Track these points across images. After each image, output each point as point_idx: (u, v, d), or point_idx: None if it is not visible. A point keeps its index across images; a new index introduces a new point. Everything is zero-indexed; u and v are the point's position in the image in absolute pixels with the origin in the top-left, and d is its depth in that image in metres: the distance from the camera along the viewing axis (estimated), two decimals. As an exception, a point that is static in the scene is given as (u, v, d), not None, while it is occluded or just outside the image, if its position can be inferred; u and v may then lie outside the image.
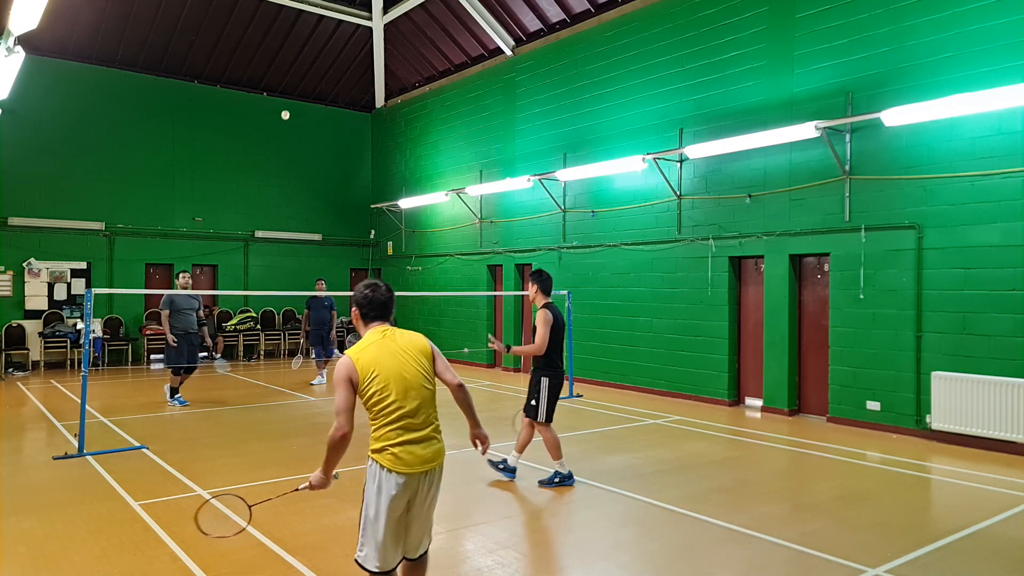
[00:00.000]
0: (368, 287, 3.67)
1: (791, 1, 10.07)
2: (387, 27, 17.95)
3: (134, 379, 13.74)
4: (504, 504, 6.07)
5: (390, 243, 19.40)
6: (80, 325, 15.08)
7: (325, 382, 13.16)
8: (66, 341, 14.97)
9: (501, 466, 6.77)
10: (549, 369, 6.52)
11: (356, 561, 3.52)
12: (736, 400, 11.01)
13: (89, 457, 7.38)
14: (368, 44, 18.46)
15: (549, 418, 6.52)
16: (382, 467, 3.54)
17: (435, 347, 3.76)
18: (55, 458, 7.36)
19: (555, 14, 14.15)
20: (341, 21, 17.42)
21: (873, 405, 9.14)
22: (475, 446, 3.92)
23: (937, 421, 8.38)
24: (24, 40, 8.56)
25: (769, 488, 6.57)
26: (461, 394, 3.79)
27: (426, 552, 3.67)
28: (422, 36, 17.28)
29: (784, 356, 10.21)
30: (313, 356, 13.33)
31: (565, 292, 12.35)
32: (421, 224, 18.20)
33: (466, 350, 16.03)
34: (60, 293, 15.35)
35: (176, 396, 10.77)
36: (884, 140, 9.08)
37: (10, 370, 14.44)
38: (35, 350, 14.96)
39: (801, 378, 10.30)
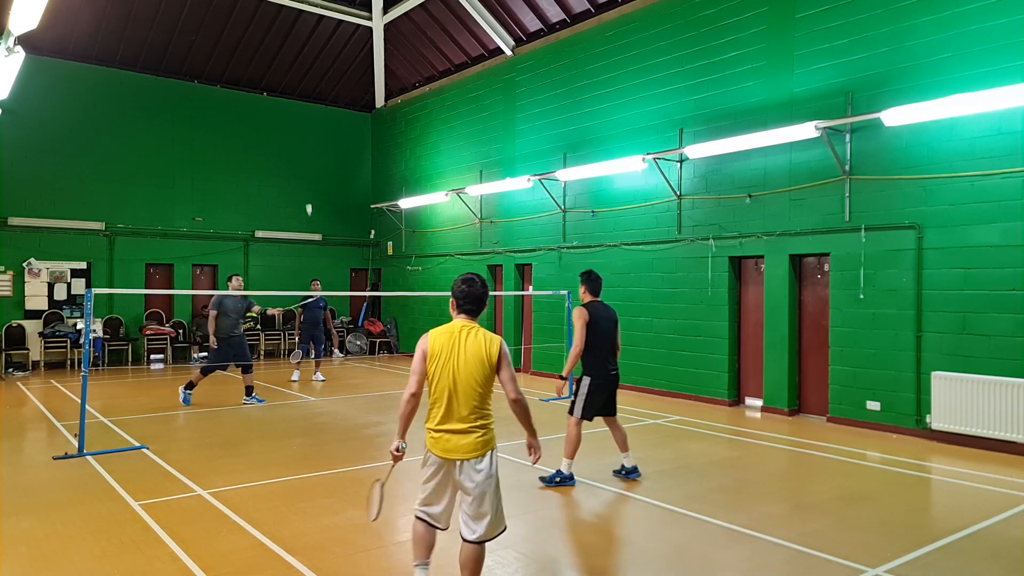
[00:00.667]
0: (465, 282, 4.02)
1: (791, 1, 10.07)
2: (387, 27, 17.96)
3: (134, 379, 13.74)
4: (504, 504, 6.07)
5: (390, 243, 19.41)
6: (80, 325, 15.09)
7: (324, 379, 13.45)
8: (66, 341, 14.97)
9: (557, 479, 6.48)
10: (592, 369, 6.48)
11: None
12: (736, 400, 11.01)
13: (89, 457, 7.38)
14: (368, 44, 18.47)
15: (586, 415, 6.49)
16: (426, 444, 3.97)
17: (506, 356, 3.98)
18: (55, 458, 7.36)
19: (555, 14, 14.15)
20: (341, 21, 17.42)
21: (873, 405, 9.14)
22: (529, 454, 4.20)
23: (937, 421, 8.38)
24: (24, 40, 8.56)
25: (769, 488, 6.57)
26: (515, 408, 4.03)
27: (482, 543, 3.91)
28: (422, 36, 17.28)
29: (784, 356, 10.21)
30: (313, 356, 13.41)
31: (565, 292, 12.35)
32: (421, 224, 18.20)
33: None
34: (60, 293, 15.36)
35: (188, 391, 10.56)
36: (884, 140, 9.08)
37: (10, 370, 14.44)
38: (35, 350, 14.97)
39: (801, 378, 10.30)
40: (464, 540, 3.90)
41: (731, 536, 5.25)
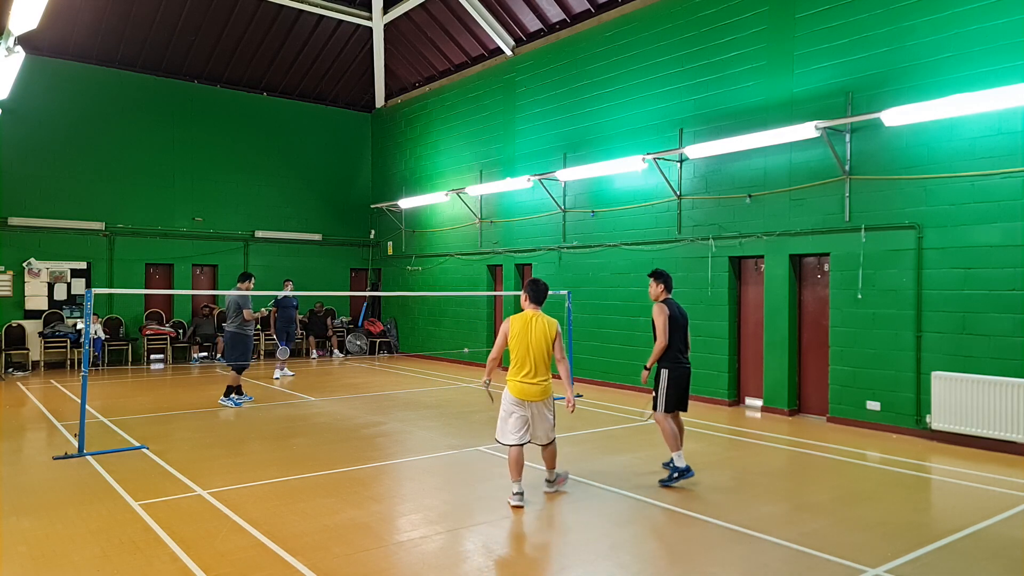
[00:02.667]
0: (533, 283, 6.28)
1: (791, 1, 10.07)
2: (387, 27, 17.96)
3: (134, 379, 13.74)
4: (504, 504, 6.07)
5: (390, 243, 19.41)
6: (80, 325, 15.09)
7: (291, 376, 14.19)
8: (66, 341, 14.97)
9: (676, 475, 6.45)
10: (668, 361, 6.69)
11: (496, 439, 6.20)
12: (736, 400, 11.01)
13: (89, 457, 7.38)
14: (368, 44, 18.47)
15: (668, 408, 6.65)
16: (508, 390, 6.13)
17: (560, 333, 6.13)
18: (55, 458, 7.36)
19: (555, 14, 14.15)
20: (341, 21, 17.42)
21: (873, 405, 9.15)
22: (567, 406, 6.18)
23: (937, 421, 8.38)
24: (24, 40, 8.57)
25: (769, 488, 6.57)
26: (560, 366, 6.22)
27: (552, 441, 6.22)
28: (422, 36, 17.28)
29: (784, 356, 10.21)
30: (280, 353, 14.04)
31: (565, 292, 12.35)
32: (421, 224, 18.20)
33: (466, 350, 16.05)
34: (60, 293, 15.36)
35: (231, 396, 10.62)
36: (884, 140, 9.08)
37: (10, 370, 14.44)
38: (35, 350, 14.97)
39: (801, 378, 10.30)
40: (542, 445, 6.20)
41: (731, 536, 5.25)
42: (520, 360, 6.04)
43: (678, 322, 6.73)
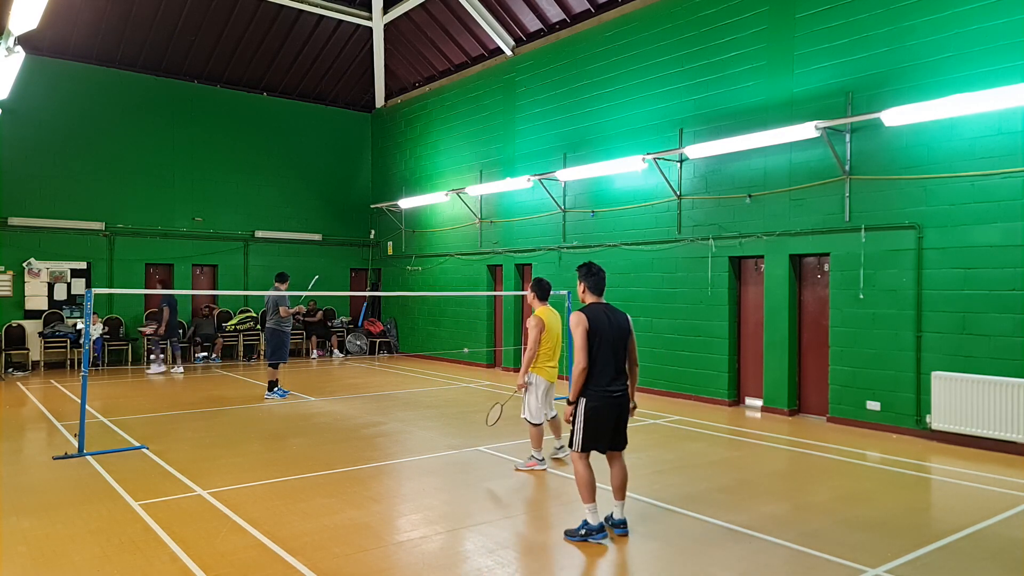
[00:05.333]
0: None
1: (791, 1, 10.07)
2: (387, 27, 17.96)
3: (134, 379, 13.74)
4: (504, 504, 6.07)
5: (390, 243, 19.41)
6: (80, 325, 15.09)
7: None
8: (66, 341, 14.97)
9: (583, 531, 5.16)
10: (590, 388, 5.23)
11: (532, 422, 7.13)
12: (736, 400, 11.01)
13: (89, 457, 7.38)
14: (368, 44, 18.47)
15: (584, 447, 5.25)
16: (543, 376, 7.19)
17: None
18: (55, 458, 7.36)
19: (555, 14, 14.15)
20: (341, 21, 17.42)
21: (873, 405, 9.14)
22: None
23: (937, 421, 8.38)
24: (24, 40, 8.57)
25: (769, 488, 6.57)
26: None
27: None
28: (422, 36, 17.28)
29: (784, 356, 10.21)
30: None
31: (565, 292, 12.33)
32: (421, 224, 18.20)
33: (466, 350, 16.04)
34: (60, 293, 15.35)
35: (276, 389, 11.38)
36: (884, 140, 9.08)
37: (10, 370, 14.44)
38: (35, 350, 14.96)
39: (801, 378, 10.30)
40: (553, 419, 7.35)
41: (731, 536, 5.25)
42: (553, 350, 7.16)
43: (602, 335, 5.12)
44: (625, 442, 5.34)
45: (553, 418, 7.32)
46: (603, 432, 5.19)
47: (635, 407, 5.37)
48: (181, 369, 14.70)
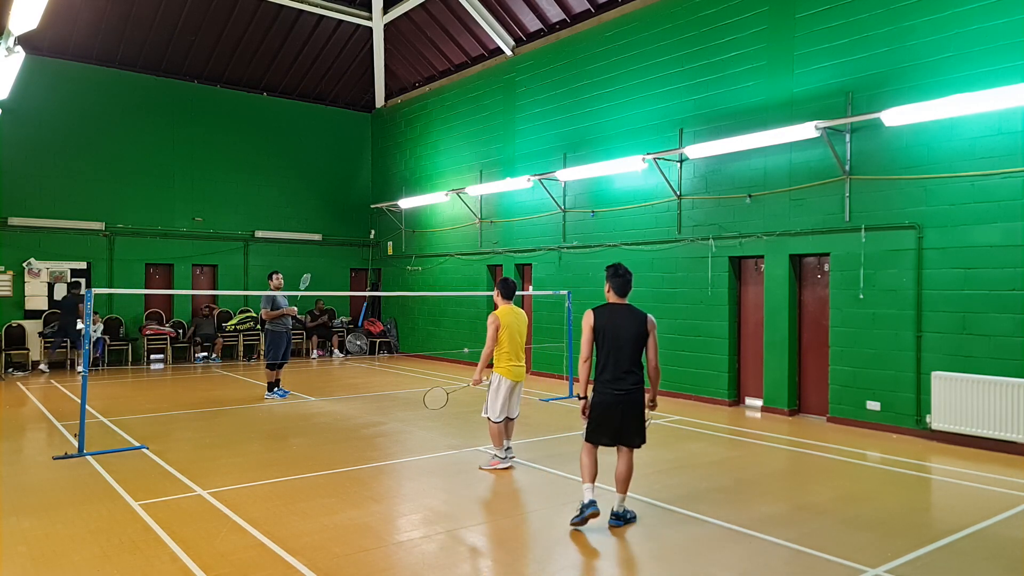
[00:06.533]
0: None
1: (791, 1, 10.07)
2: (387, 27, 17.96)
3: (134, 379, 13.74)
4: (504, 504, 6.07)
5: (390, 243, 19.41)
6: (80, 325, 15.08)
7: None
8: (66, 341, 14.96)
9: (579, 509, 5.41)
10: (596, 383, 5.62)
11: (491, 418, 7.03)
12: (736, 400, 11.01)
13: (89, 457, 7.38)
14: (368, 44, 18.47)
15: (587, 437, 5.55)
16: (508, 376, 7.04)
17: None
18: (55, 458, 7.36)
19: (555, 14, 14.15)
20: (341, 21, 17.42)
21: (873, 405, 9.14)
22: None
23: (937, 421, 8.38)
24: (24, 40, 8.56)
25: (769, 488, 6.57)
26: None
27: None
28: (422, 36, 17.28)
29: (784, 356, 10.21)
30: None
31: (565, 292, 12.36)
32: (421, 224, 18.20)
33: (466, 350, 16.04)
34: (60, 293, 15.35)
35: (276, 390, 11.34)
36: (884, 140, 9.08)
37: (10, 370, 14.44)
38: (35, 350, 14.96)
39: (801, 378, 10.30)
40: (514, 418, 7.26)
41: (731, 536, 5.25)
42: (515, 350, 7.07)
43: (608, 335, 5.39)
44: (638, 440, 5.47)
45: (511, 420, 7.17)
46: (606, 426, 5.41)
47: (654, 405, 5.56)
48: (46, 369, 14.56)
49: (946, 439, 8.37)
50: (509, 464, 7.11)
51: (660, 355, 5.67)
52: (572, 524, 5.35)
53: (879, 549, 4.97)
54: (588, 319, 5.51)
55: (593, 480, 5.44)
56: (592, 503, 5.34)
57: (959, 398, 8.20)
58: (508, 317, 7.04)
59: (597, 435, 5.46)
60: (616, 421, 5.39)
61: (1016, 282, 7.91)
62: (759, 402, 10.67)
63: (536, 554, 4.98)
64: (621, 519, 5.44)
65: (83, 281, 15.58)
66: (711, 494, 6.27)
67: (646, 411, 5.48)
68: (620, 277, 5.58)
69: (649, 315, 5.52)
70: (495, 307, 7.30)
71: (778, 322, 10.30)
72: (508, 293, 7.26)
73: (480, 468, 7.13)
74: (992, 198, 8.13)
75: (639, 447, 5.50)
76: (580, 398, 5.55)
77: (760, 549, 4.99)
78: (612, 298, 5.61)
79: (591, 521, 5.37)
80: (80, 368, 14.09)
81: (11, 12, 6.96)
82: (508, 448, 7.21)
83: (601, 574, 4.67)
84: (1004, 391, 7.85)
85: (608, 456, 5.66)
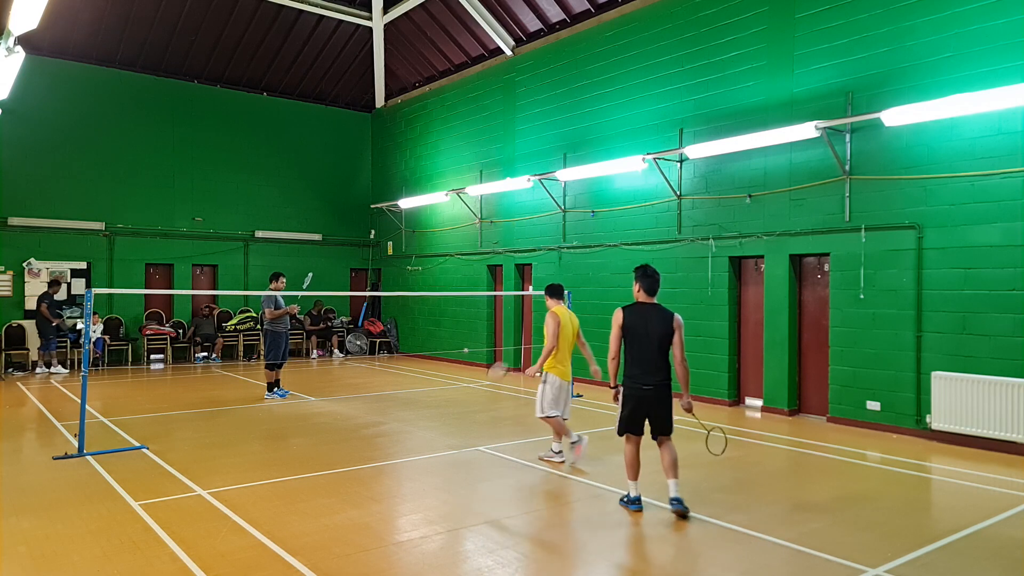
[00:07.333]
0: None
1: (791, 1, 10.07)
2: (387, 27, 17.96)
3: (134, 379, 13.74)
4: (504, 504, 6.07)
5: (390, 243, 19.41)
6: (80, 325, 15.08)
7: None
8: (66, 341, 14.96)
9: (624, 500, 5.89)
10: (626, 378, 5.93)
11: (547, 415, 7.29)
12: (736, 400, 11.01)
13: (89, 457, 7.38)
14: (368, 44, 18.47)
15: (618, 430, 5.92)
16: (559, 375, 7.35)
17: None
18: (55, 458, 7.36)
19: (555, 14, 14.15)
20: (341, 21, 17.42)
21: (873, 405, 9.14)
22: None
23: (937, 421, 8.38)
24: (24, 40, 8.57)
25: (769, 488, 6.57)
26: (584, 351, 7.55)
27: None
28: (422, 36, 17.28)
29: (784, 356, 10.21)
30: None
31: (565, 292, 12.31)
32: (421, 224, 18.20)
33: (466, 350, 16.04)
34: (60, 293, 15.34)
35: (275, 390, 11.36)
36: (884, 140, 9.08)
37: (10, 370, 14.44)
38: (35, 350, 14.95)
39: (801, 378, 10.30)
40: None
41: (731, 536, 5.25)
42: (566, 350, 7.40)
43: (637, 333, 5.73)
44: (669, 428, 5.86)
45: (564, 420, 7.39)
46: (637, 419, 5.82)
47: (689, 407, 5.91)
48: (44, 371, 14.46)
49: (946, 439, 8.37)
50: (561, 459, 7.33)
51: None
52: (631, 508, 5.74)
53: (879, 549, 4.97)
54: (618, 317, 5.81)
55: (638, 476, 5.82)
56: (639, 499, 5.78)
57: (959, 398, 8.20)
58: (565, 317, 7.40)
59: (631, 425, 5.84)
60: (647, 413, 5.78)
61: (1016, 282, 7.91)
62: (759, 402, 10.67)
63: (536, 554, 4.98)
64: (681, 502, 5.65)
65: (71, 284, 15.59)
66: (711, 494, 6.27)
67: (702, 420, 6.12)
68: (649, 277, 5.90)
69: (676, 314, 5.83)
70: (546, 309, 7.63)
71: (778, 322, 10.30)
72: (556, 294, 7.65)
73: (539, 458, 7.43)
74: (992, 198, 8.13)
75: (670, 433, 5.87)
76: (612, 387, 6.04)
77: (760, 549, 4.99)
78: (641, 297, 5.92)
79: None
80: (40, 369, 14.28)
81: (11, 12, 6.96)
82: (560, 451, 7.44)
83: (601, 573, 4.66)
84: (1004, 391, 7.85)
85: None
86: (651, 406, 5.77)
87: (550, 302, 7.63)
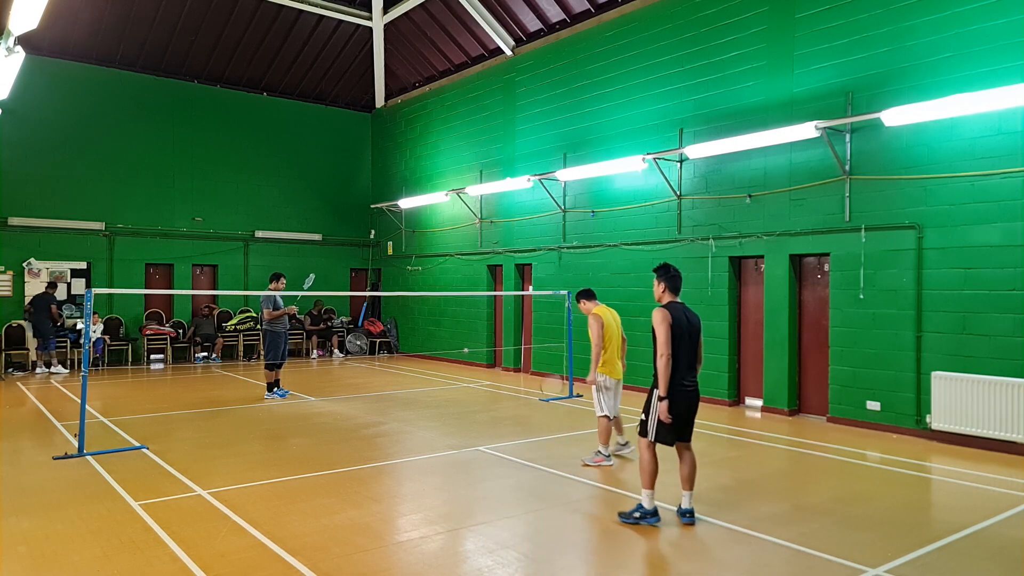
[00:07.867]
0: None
1: (791, 1, 10.07)
2: (387, 27, 17.96)
3: (134, 379, 13.74)
4: (504, 504, 6.07)
5: (390, 243, 19.41)
6: (80, 325, 15.08)
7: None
8: (66, 341, 14.96)
9: (637, 514, 5.52)
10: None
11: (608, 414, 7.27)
12: (736, 400, 11.01)
13: (89, 457, 7.38)
14: (368, 44, 18.47)
15: (659, 438, 5.52)
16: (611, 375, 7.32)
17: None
18: (55, 458, 7.36)
19: (555, 14, 14.15)
20: (341, 21, 17.42)
21: (873, 405, 9.14)
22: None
23: (937, 421, 8.38)
24: (24, 40, 8.57)
25: (769, 488, 6.57)
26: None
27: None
28: (422, 36, 17.28)
29: (784, 356, 10.21)
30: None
31: (565, 292, 12.35)
32: (421, 224, 18.20)
33: (466, 350, 16.04)
34: (60, 293, 15.35)
35: (275, 390, 11.38)
36: (884, 140, 9.08)
37: (10, 370, 14.44)
38: (35, 350, 14.95)
39: (801, 378, 10.30)
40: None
41: (731, 536, 5.25)
42: (617, 349, 7.41)
43: (683, 331, 5.46)
44: (691, 433, 5.67)
45: (616, 417, 7.45)
46: (683, 423, 5.56)
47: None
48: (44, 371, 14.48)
49: (946, 439, 8.37)
50: (612, 462, 7.27)
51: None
52: (622, 520, 5.52)
53: (879, 549, 4.97)
54: (667, 317, 5.46)
55: (655, 484, 5.58)
56: (656, 511, 5.53)
57: (959, 398, 8.19)
58: (607, 316, 7.40)
59: (666, 432, 5.50)
60: (683, 416, 5.53)
61: (1016, 282, 7.91)
62: (759, 402, 10.67)
63: (536, 554, 4.97)
64: (692, 515, 5.54)
65: (71, 284, 15.59)
66: (711, 494, 6.27)
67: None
68: (674, 276, 5.76)
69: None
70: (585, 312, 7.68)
71: (778, 322, 10.30)
72: (590, 296, 7.72)
73: (584, 464, 7.27)
74: (992, 198, 8.13)
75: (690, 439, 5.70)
76: (662, 399, 5.37)
77: (760, 549, 4.99)
78: (669, 297, 5.74)
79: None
80: (40, 369, 14.27)
81: (11, 12, 6.96)
82: (625, 444, 7.61)
83: (601, 573, 4.66)
84: (1004, 391, 7.85)
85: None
86: (688, 406, 5.52)
87: (588, 305, 7.65)
